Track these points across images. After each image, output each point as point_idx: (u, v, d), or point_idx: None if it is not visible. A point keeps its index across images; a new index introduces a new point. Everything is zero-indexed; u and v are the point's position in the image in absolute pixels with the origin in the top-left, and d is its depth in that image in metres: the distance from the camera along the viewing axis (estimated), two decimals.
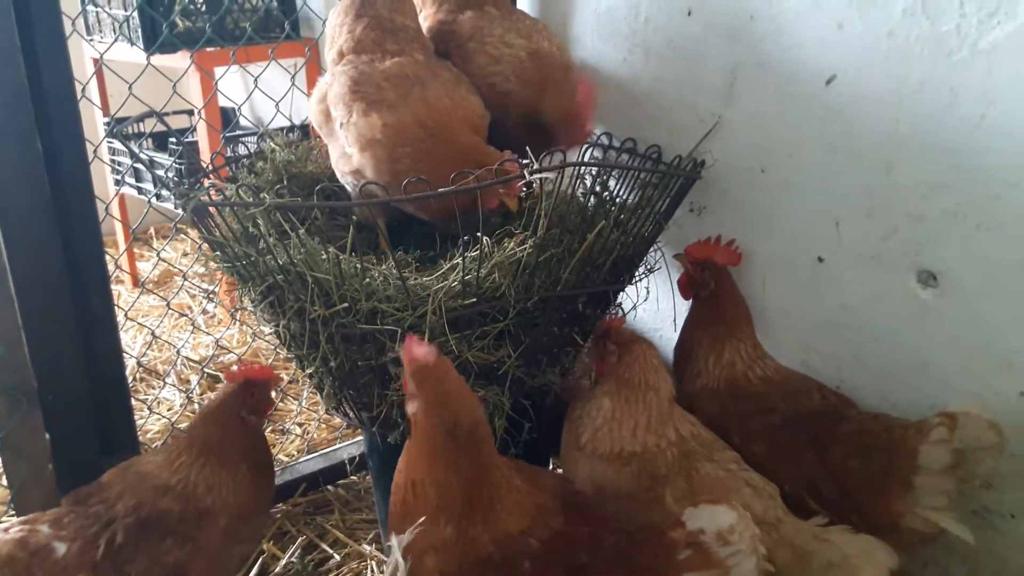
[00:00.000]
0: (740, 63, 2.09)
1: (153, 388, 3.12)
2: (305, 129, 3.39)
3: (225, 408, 1.89)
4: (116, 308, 2.12)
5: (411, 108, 1.84)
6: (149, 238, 4.75)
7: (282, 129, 3.43)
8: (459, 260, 1.73)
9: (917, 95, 1.77)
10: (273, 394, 2.03)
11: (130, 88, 2.26)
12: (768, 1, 1.98)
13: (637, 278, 2.12)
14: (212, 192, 1.92)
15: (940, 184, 1.77)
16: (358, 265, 1.72)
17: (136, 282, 4.31)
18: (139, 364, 3.13)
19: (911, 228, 1.84)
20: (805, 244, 2.05)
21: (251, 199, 1.73)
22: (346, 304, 1.70)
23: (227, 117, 4.31)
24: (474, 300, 1.71)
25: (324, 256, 1.73)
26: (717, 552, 1.38)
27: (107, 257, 2.08)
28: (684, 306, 2.17)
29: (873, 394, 1.98)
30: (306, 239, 1.76)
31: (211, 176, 2.12)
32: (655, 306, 2.46)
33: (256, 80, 2.68)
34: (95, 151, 2.04)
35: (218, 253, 1.88)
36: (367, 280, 1.71)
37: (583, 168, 2.08)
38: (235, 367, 1.97)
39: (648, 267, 2.14)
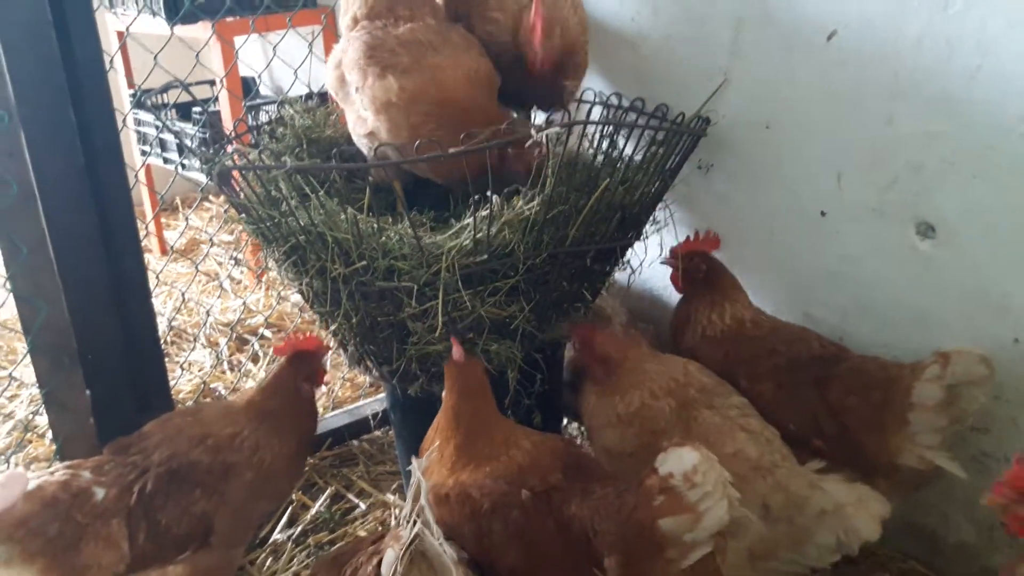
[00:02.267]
0: (744, 18, 2.12)
1: (184, 350, 3.24)
2: (324, 96, 3.46)
3: (281, 380, 1.99)
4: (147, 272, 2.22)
5: (424, 72, 1.90)
6: (175, 208, 4.86)
7: (301, 96, 3.51)
8: (470, 219, 1.80)
9: (915, 48, 1.81)
10: (326, 362, 2.12)
11: (155, 59, 2.34)
12: None
13: (645, 235, 2.18)
14: (235, 157, 2.00)
15: (939, 134, 1.82)
16: (375, 225, 1.80)
17: (164, 250, 4.43)
18: (170, 327, 3.26)
19: (910, 178, 1.89)
20: (808, 198, 2.11)
21: (272, 163, 1.81)
22: (364, 262, 1.79)
23: (247, 86, 4.38)
24: (485, 257, 1.78)
25: (343, 217, 1.81)
26: (687, 495, 1.40)
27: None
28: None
29: (875, 343, 2.04)
30: (326, 200, 1.84)
31: (234, 143, 2.21)
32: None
33: (275, 49, 2.75)
34: (123, 122, 2.12)
35: (243, 216, 1.97)
36: (383, 239, 1.79)
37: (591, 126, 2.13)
38: (283, 341, 2.07)
39: (656, 224, 2.20)
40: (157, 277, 2.73)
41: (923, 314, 1.96)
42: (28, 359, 2.07)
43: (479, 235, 1.77)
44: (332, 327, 1.98)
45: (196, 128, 3.55)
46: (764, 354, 1.99)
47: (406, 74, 1.90)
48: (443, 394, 1.81)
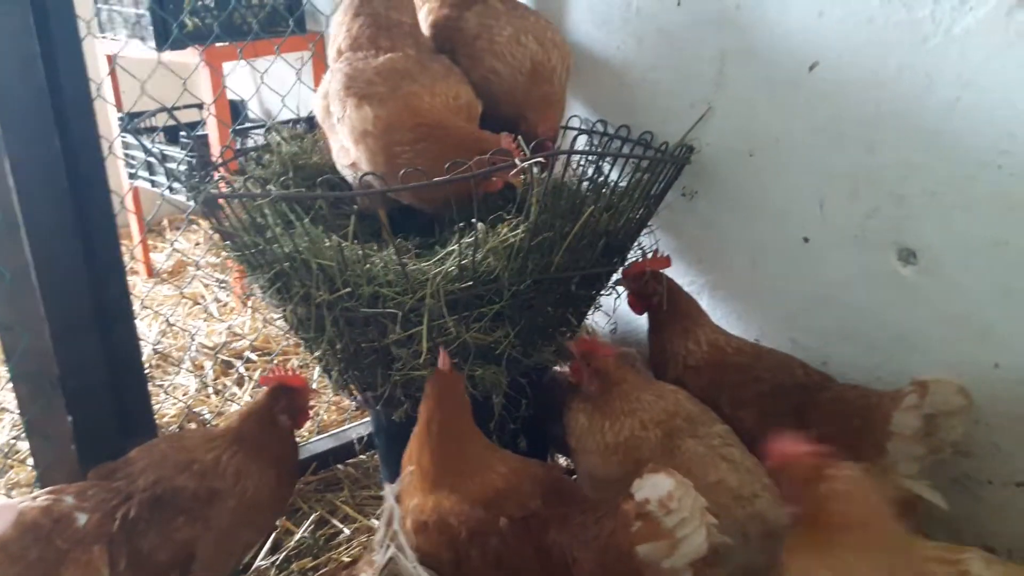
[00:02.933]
0: (728, 51, 2.15)
1: (169, 374, 3.23)
2: (311, 121, 3.48)
3: (261, 408, 1.98)
4: (132, 297, 2.22)
5: (399, 100, 1.91)
6: (162, 229, 4.85)
7: (288, 122, 3.52)
8: (455, 246, 1.81)
9: (896, 79, 1.84)
10: (310, 404, 2.11)
11: (143, 88, 2.35)
12: None
13: (629, 260, 2.19)
14: (221, 184, 2.01)
15: (920, 164, 1.84)
16: (360, 252, 1.80)
17: (151, 273, 4.42)
18: (155, 351, 3.24)
19: (892, 207, 1.91)
20: (792, 224, 2.12)
21: (258, 191, 1.82)
22: (349, 289, 1.79)
23: (236, 110, 4.39)
24: (470, 283, 1.79)
25: (327, 244, 1.82)
26: (664, 521, 1.40)
27: (122, 248, 2.17)
28: None
29: (859, 368, 2.06)
30: (310, 228, 1.85)
31: (220, 169, 2.21)
32: None
33: (262, 76, 2.76)
34: (110, 147, 2.13)
35: (228, 243, 1.97)
36: (368, 266, 1.80)
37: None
38: (269, 372, 2.06)
39: (641, 249, 2.21)
40: (142, 303, 2.72)
41: (906, 339, 1.97)
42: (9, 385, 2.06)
43: (464, 261, 1.78)
44: (316, 353, 1.98)
45: (183, 152, 3.56)
46: (748, 381, 1.99)
47: (382, 103, 1.92)
48: (421, 408, 1.79)
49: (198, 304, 3.82)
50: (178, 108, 3.43)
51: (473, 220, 1.80)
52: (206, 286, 4.04)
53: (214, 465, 1.87)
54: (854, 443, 1.78)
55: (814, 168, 2.04)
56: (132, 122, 4.09)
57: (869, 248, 1.98)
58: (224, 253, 2.02)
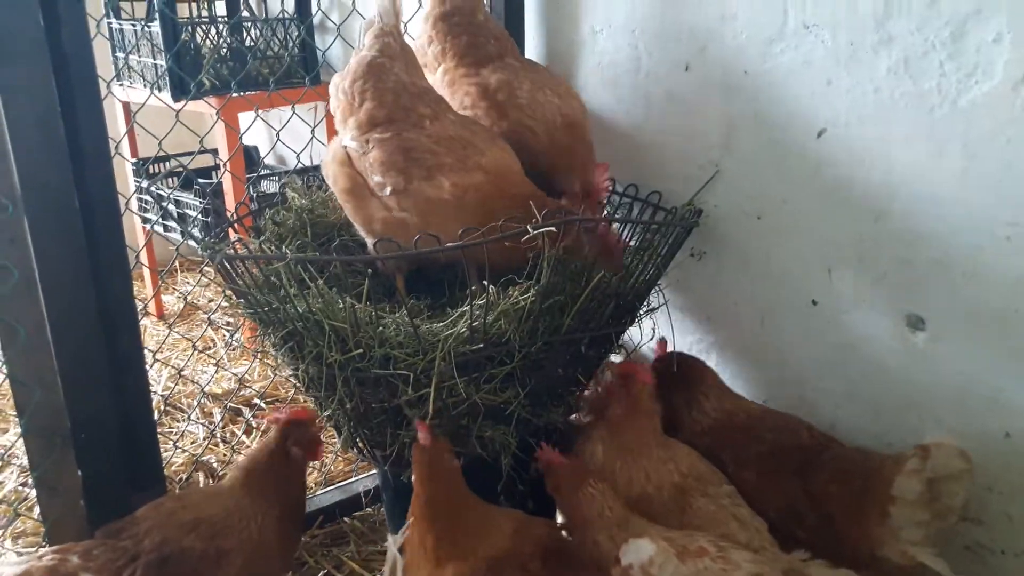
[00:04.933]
0: (736, 115, 2.19)
1: (178, 421, 3.23)
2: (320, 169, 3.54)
3: (270, 443, 2.00)
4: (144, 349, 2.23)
5: (471, 168, 1.95)
6: (174, 271, 4.89)
7: (304, 170, 3.57)
8: (467, 308, 1.83)
9: (903, 148, 1.86)
10: (319, 434, 2.13)
11: (160, 144, 2.39)
12: (761, 58, 2.08)
13: (639, 318, 2.21)
14: (237, 246, 2.03)
15: (927, 233, 1.86)
16: (372, 313, 1.82)
17: (161, 314, 4.45)
18: (164, 401, 3.25)
19: (900, 274, 1.93)
20: (800, 287, 2.14)
21: (273, 253, 1.84)
22: (361, 350, 1.80)
23: (250, 155, 4.46)
24: (481, 346, 1.81)
25: (341, 305, 1.84)
26: None
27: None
28: (683, 343, 2.25)
29: (867, 432, 2.06)
30: (324, 289, 1.87)
31: (235, 227, 2.24)
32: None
33: (278, 134, 2.81)
34: (127, 204, 2.15)
35: (241, 300, 1.99)
36: (380, 328, 1.81)
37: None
38: (277, 414, 2.08)
39: (649, 307, 2.23)
40: (153, 355, 2.74)
41: (915, 405, 1.97)
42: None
43: (475, 323, 1.80)
44: (326, 412, 1.99)
45: (196, 199, 3.61)
46: (750, 441, 2.01)
47: (454, 171, 1.94)
48: (413, 481, 1.82)
49: (208, 348, 3.84)
50: (191, 153, 3.49)
51: (484, 282, 1.82)
52: (215, 329, 4.07)
53: (223, 519, 1.87)
54: (856, 506, 1.79)
55: (822, 232, 2.06)
56: (146, 167, 4.15)
57: (878, 313, 1.99)
58: (238, 310, 2.03)
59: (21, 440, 2.04)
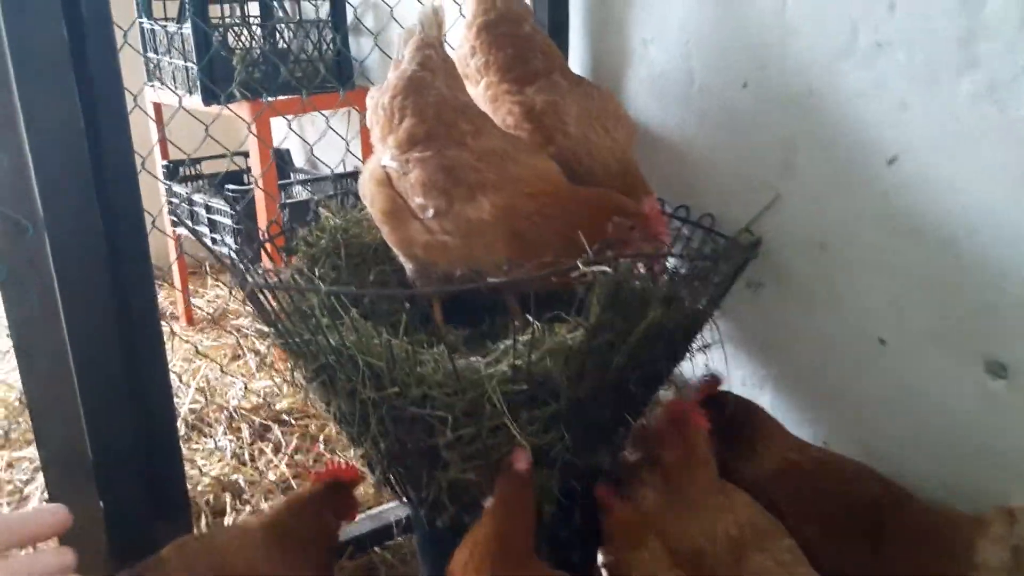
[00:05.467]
0: (797, 136, 2.04)
1: (205, 436, 3.16)
2: (355, 176, 3.45)
3: (306, 504, 1.89)
4: (171, 375, 2.15)
5: (514, 181, 1.83)
6: (204, 273, 4.84)
7: (342, 176, 3.48)
8: (508, 343, 1.71)
9: (986, 180, 1.71)
10: (357, 497, 2.01)
11: (189, 160, 2.31)
12: (828, 77, 1.94)
13: (691, 354, 2.08)
14: (269, 274, 1.93)
15: (1012, 272, 1.70)
16: (409, 348, 1.71)
17: (190, 320, 4.39)
18: (192, 414, 3.18)
19: (979, 316, 1.78)
20: (866, 324, 1.99)
21: (306, 285, 1.74)
22: (397, 388, 1.70)
23: (281, 157, 4.38)
24: (524, 387, 1.69)
25: (376, 340, 1.73)
26: None
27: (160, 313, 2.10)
28: (736, 376, 2.12)
29: (937, 482, 1.91)
30: (359, 321, 1.76)
31: (265, 248, 2.14)
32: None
33: (312, 149, 2.71)
34: (153, 223, 2.07)
35: (272, 329, 1.89)
36: (418, 367, 1.70)
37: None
38: (323, 467, 1.97)
39: (704, 343, 2.09)
40: (179, 379, 2.66)
41: (992, 457, 1.82)
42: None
43: (518, 362, 1.68)
44: (359, 451, 1.89)
45: (226, 206, 3.53)
46: (811, 494, 1.86)
47: (496, 189, 1.82)
48: (485, 511, 1.67)
49: (239, 357, 3.76)
50: (222, 156, 3.41)
51: (528, 316, 1.70)
52: (244, 336, 3.99)
53: (247, 570, 1.77)
54: (934, 570, 1.66)
55: (893, 266, 1.91)
56: (177, 170, 4.08)
57: (953, 357, 1.84)
58: (268, 340, 1.93)
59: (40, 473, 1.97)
